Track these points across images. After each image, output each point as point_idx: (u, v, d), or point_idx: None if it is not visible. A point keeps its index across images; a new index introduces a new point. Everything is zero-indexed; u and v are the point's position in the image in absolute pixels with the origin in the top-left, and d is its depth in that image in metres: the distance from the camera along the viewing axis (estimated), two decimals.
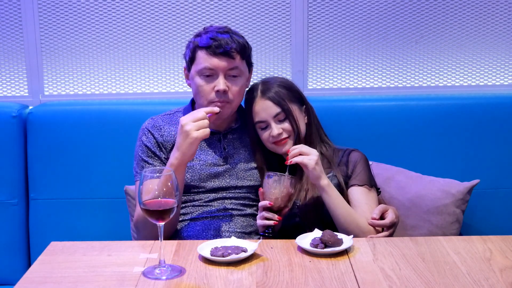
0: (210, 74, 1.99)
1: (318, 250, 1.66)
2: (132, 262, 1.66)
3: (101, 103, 2.53)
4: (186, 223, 2.03)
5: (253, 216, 2.07)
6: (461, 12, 2.57)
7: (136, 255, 1.70)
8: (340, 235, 1.72)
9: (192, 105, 2.16)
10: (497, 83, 2.63)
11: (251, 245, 1.68)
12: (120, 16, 2.57)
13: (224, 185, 2.06)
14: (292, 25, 2.56)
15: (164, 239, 1.69)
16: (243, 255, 1.63)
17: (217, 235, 1.99)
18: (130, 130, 2.31)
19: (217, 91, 1.98)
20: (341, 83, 2.63)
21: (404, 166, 2.32)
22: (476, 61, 2.61)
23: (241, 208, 2.06)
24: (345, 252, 1.69)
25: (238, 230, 2.01)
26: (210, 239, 1.92)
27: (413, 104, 2.42)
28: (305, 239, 1.73)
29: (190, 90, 2.46)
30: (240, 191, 2.07)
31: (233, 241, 1.72)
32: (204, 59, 1.98)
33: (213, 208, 2.04)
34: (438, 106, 2.41)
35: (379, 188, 2.13)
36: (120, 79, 2.62)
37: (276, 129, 2.02)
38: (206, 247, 1.68)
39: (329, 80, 2.63)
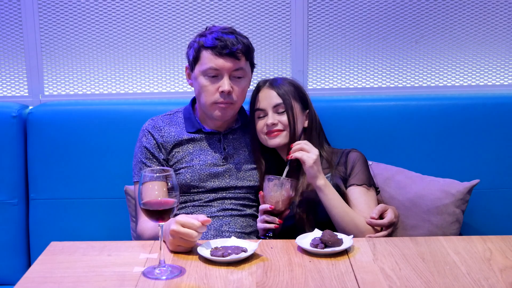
0: (215, 75, 1.99)
1: (318, 250, 1.66)
2: (132, 262, 1.66)
3: (101, 103, 2.52)
4: None
5: (253, 216, 2.07)
6: (461, 12, 2.57)
7: (136, 255, 1.70)
8: (340, 235, 1.72)
9: (193, 105, 2.16)
10: (497, 83, 2.63)
11: (251, 245, 1.68)
12: (120, 16, 2.57)
13: (224, 185, 2.06)
14: (292, 25, 2.56)
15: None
16: (243, 255, 1.63)
17: (217, 235, 1.99)
18: (130, 130, 2.31)
19: (222, 92, 1.98)
20: (341, 83, 2.63)
21: (404, 166, 2.32)
22: (476, 61, 2.61)
23: (241, 208, 2.06)
24: (345, 252, 1.69)
25: (238, 230, 2.01)
26: (210, 239, 1.92)
27: (413, 104, 2.42)
28: (305, 239, 1.73)
29: (191, 90, 2.46)
30: (240, 191, 2.07)
31: (233, 241, 1.72)
32: (209, 59, 1.98)
33: (213, 208, 2.04)
34: (438, 106, 2.41)
35: (378, 188, 2.13)
36: (120, 79, 2.62)
37: (271, 118, 2.03)
38: (206, 247, 1.68)
39: (329, 80, 2.63)
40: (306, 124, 2.11)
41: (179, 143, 2.08)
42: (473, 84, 2.62)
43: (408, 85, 2.63)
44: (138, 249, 1.74)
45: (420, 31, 2.58)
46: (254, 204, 2.09)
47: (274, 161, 2.11)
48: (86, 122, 2.39)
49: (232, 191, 2.06)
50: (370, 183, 2.05)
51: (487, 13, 2.57)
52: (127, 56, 2.60)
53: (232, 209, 2.05)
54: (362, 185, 2.02)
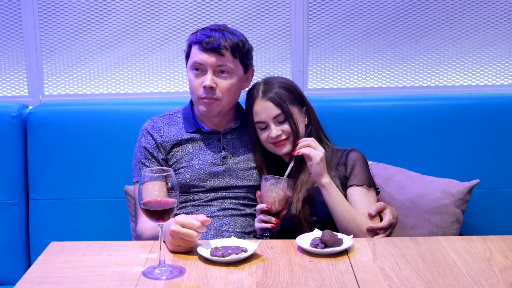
0: (199, 70, 2.02)
1: (318, 250, 1.66)
2: (132, 262, 1.66)
3: (101, 103, 2.52)
4: None
5: (253, 216, 2.07)
6: (462, 12, 2.57)
7: (136, 255, 1.70)
8: (340, 235, 1.72)
9: (191, 106, 2.16)
10: (497, 83, 2.62)
11: (251, 245, 1.68)
12: (120, 16, 2.57)
13: (223, 185, 2.06)
14: (292, 25, 2.56)
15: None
16: (243, 255, 1.63)
17: (217, 235, 1.99)
18: (130, 130, 2.31)
19: (204, 87, 2.00)
20: (341, 83, 2.63)
21: (404, 166, 2.32)
22: (476, 61, 2.61)
23: (241, 208, 2.06)
24: (345, 252, 1.69)
25: (238, 230, 2.02)
26: (210, 239, 1.92)
27: (413, 104, 2.42)
28: (305, 239, 1.73)
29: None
30: (239, 190, 2.07)
31: (233, 241, 1.72)
32: (195, 54, 2.02)
33: (213, 207, 2.04)
34: (438, 106, 2.41)
35: (378, 188, 2.13)
36: (120, 79, 2.62)
37: (275, 130, 2.02)
38: (206, 247, 1.69)
39: (329, 80, 2.62)
40: (306, 121, 2.11)
41: (178, 143, 2.08)
42: (473, 84, 2.62)
43: (408, 85, 2.62)
44: (138, 249, 1.74)
45: (420, 31, 2.58)
46: (254, 203, 2.09)
47: (275, 161, 2.11)
48: (86, 122, 2.39)
49: (232, 191, 2.07)
50: (370, 183, 2.05)
51: (487, 12, 2.56)
52: (127, 56, 2.59)
53: (232, 209, 2.05)
54: (362, 185, 2.02)
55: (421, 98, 2.49)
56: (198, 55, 2.01)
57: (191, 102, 2.17)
